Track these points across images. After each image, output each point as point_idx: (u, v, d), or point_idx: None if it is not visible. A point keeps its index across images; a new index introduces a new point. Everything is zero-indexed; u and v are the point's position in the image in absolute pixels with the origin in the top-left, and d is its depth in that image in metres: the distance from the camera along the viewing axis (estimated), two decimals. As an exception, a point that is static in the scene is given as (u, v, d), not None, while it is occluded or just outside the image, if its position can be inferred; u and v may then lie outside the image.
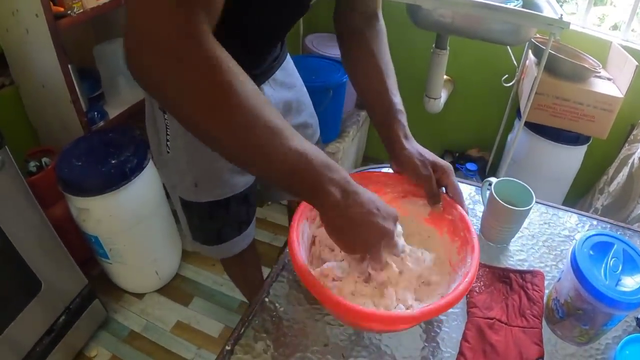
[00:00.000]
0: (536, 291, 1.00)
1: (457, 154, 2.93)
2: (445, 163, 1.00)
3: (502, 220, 1.09)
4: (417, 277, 0.94)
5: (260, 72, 1.15)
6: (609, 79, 2.25)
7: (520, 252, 1.13)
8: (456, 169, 2.69)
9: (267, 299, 0.98)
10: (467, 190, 1.32)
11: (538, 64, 2.15)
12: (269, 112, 0.67)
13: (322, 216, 0.76)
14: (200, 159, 1.16)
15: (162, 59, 0.61)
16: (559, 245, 1.16)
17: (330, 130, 2.58)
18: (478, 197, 1.29)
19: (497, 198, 1.05)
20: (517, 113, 2.47)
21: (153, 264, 2.27)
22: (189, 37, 0.61)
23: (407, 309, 0.87)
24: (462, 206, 0.97)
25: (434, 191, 0.98)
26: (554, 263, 1.11)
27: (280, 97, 1.23)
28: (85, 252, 2.18)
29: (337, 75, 2.34)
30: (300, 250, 0.84)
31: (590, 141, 2.39)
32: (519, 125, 2.24)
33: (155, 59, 0.61)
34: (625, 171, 2.21)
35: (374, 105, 1.08)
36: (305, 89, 1.38)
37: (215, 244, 1.38)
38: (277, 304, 0.97)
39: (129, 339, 2.19)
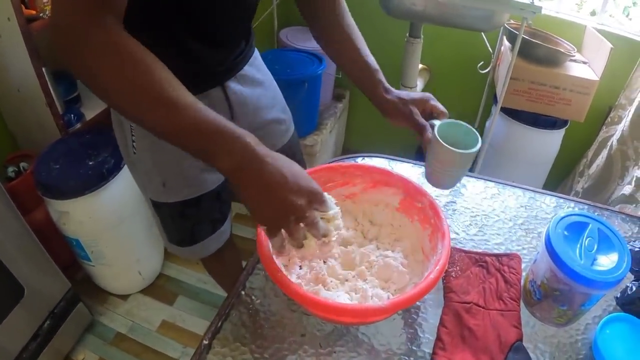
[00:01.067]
0: (513, 274, 1.00)
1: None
2: (424, 93, 1.13)
3: (445, 163, 1.06)
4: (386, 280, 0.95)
5: (225, 69, 1.14)
6: (584, 63, 2.26)
7: (496, 236, 1.13)
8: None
9: (243, 292, 0.98)
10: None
11: (512, 49, 2.15)
12: (167, 87, 0.74)
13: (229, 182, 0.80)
14: (166, 159, 1.15)
15: (73, 46, 0.72)
16: (536, 228, 1.16)
17: (307, 123, 2.58)
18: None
19: (439, 140, 1.02)
20: (494, 99, 2.47)
21: (136, 264, 2.26)
22: (93, 27, 0.71)
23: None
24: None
25: (418, 122, 1.08)
26: (532, 246, 1.11)
27: (249, 94, 1.22)
28: (68, 256, 2.17)
29: (312, 67, 2.34)
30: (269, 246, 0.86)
31: (568, 125, 2.39)
32: (495, 112, 2.24)
33: (67, 44, 0.73)
34: (604, 153, 2.22)
35: (353, 71, 1.18)
36: (275, 84, 1.37)
37: (189, 245, 1.37)
38: (253, 297, 0.97)
39: (116, 341, 2.17)
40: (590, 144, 2.46)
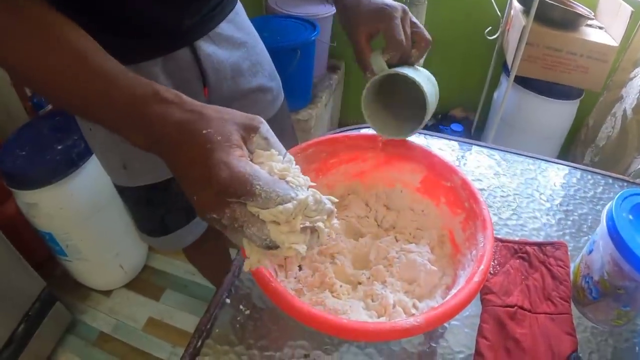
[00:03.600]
0: (561, 267, 0.82)
1: (439, 115, 2.78)
2: (384, 5, 0.80)
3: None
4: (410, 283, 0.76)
5: (193, 25, 0.92)
6: (600, 28, 2.10)
7: (533, 220, 0.95)
8: (440, 131, 2.54)
9: (228, 300, 0.79)
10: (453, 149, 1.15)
11: (524, 12, 2.00)
12: (75, 54, 0.58)
13: None
14: None
15: None
16: (576, 209, 0.99)
17: (300, 96, 2.41)
18: (462, 153, 1.11)
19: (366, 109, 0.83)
20: (504, 67, 2.32)
21: (116, 257, 2.10)
22: None
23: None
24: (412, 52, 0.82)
25: (356, 50, 0.82)
26: (573, 230, 0.94)
27: (226, 57, 1.00)
28: (45, 250, 2.03)
29: (304, 34, 2.17)
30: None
31: (583, 95, 2.25)
32: (507, 81, 2.08)
33: None
34: (615, 124, 2.09)
35: None
36: (262, 46, 1.16)
37: (160, 235, 1.20)
38: (241, 306, 0.78)
39: (99, 342, 2.04)
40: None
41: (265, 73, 1.14)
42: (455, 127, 2.63)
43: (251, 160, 0.54)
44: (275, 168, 0.54)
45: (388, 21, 0.78)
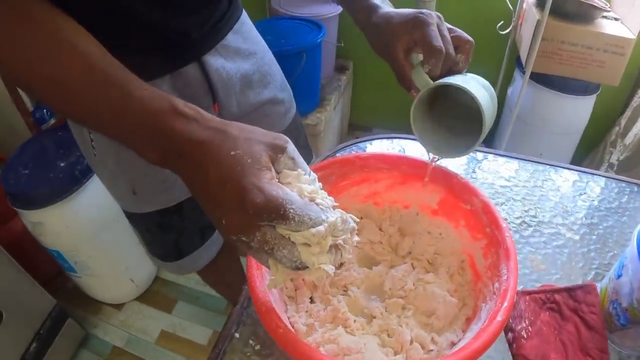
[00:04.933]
0: (593, 313, 0.75)
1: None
2: (417, 15, 0.75)
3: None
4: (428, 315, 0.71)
5: (201, 37, 0.87)
6: (615, 20, 2.03)
7: (557, 237, 0.90)
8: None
9: (237, 334, 0.74)
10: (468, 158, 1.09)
11: (537, 5, 1.94)
12: (74, 70, 0.55)
13: None
14: (133, 159, 0.85)
15: None
16: (600, 222, 0.93)
17: (308, 100, 2.34)
18: (477, 164, 1.05)
19: (414, 122, 0.76)
20: (517, 63, 2.26)
21: (126, 271, 2.07)
22: None
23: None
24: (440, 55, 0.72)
25: (395, 64, 0.77)
26: (599, 245, 0.88)
27: (235, 70, 0.95)
28: (55, 265, 2.00)
29: (310, 36, 2.10)
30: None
31: (600, 90, 2.17)
32: (521, 77, 2.02)
33: None
34: None
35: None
36: (270, 55, 1.10)
37: (175, 260, 1.15)
38: (251, 341, 0.73)
39: (112, 356, 2.02)
40: (621, 110, 2.25)
41: (277, 84, 1.09)
42: (467, 125, 2.54)
43: (279, 180, 0.52)
44: (305, 190, 0.52)
45: (422, 28, 0.73)
